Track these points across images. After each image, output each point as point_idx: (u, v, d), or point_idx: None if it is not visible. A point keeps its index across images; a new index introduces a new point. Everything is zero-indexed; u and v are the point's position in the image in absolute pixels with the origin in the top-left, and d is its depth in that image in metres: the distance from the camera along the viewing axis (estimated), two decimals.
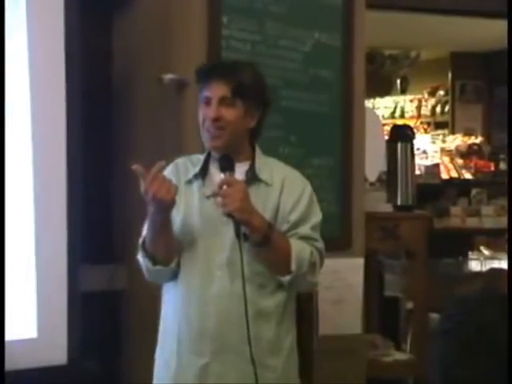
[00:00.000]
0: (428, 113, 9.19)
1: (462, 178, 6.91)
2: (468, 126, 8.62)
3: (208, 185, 2.62)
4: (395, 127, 4.88)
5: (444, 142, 7.97)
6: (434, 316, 4.31)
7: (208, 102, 2.59)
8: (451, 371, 1.49)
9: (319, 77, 3.69)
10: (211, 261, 2.58)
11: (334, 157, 3.74)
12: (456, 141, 7.76)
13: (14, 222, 3.13)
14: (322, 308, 3.68)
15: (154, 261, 2.58)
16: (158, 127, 3.50)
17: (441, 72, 8.97)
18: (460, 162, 7.09)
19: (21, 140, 3.16)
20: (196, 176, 2.65)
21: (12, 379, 3.00)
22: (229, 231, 2.51)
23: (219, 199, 2.47)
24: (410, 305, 4.68)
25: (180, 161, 2.73)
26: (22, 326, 3.18)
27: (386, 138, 4.65)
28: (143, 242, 2.60)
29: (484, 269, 5.79)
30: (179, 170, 2.69)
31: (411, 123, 7.99)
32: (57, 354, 3.23)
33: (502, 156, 7.01)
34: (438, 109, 9.10)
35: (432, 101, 9.17)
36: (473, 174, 6.95)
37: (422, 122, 9.15)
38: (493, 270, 5.30)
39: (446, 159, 7.10)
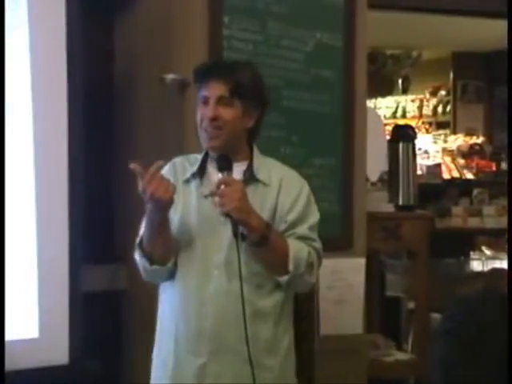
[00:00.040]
0: (429, 113, 9.19)
1: (463, 177, 6.90)
2: (470, 126, 8.62)
3: (206, 184, 2.62)
4: (397, 127, 4.88)
5: (445, 141, 7.96)
6: (436, 316, 4.31)
7: (206, 101, 2.59)
8: (453, 371, 1.49)
9: (321, 77, 3.69)
10: (209, 260, 2.57)
11: (335, 157, 3.74)
12: (457, 141, 7.76)
13: (16, 222, 3.13)
14: (323, 308, 3.68)
15: (151, 260, 2.58)
16: (160, 127, 3.50)
17: (442, 72, 8.97)
18: (461, 161, 7.08)
19: (22, 140, 3.16)
20: (194, 175, 2.65)
21: (14, 379, 3.00)
22: (226, 231, 2.51)
23: (217, 199, 2.46)
24: (411, 305, 4.68)
25: (177, 160, 2.72)
26: (24, 325, 3.18)
27: (388, 137, 4.65)
28: (140, 242, 2.60)
29: (486, 269, 5.79)
30: (177, 169, 2.68)
31: (413, 123, 7.99)
32: (58, 353, 3.23)
33: (503, 156, 7.00)
34: (440, 109, 9.10)
35: (434, 101, 9.17)
36: (474, 174, 6.94)
37: (423, 122, 9.15)
38: (494, 270, 5.30)
39: (448, 159, 7.10)
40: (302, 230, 2.63)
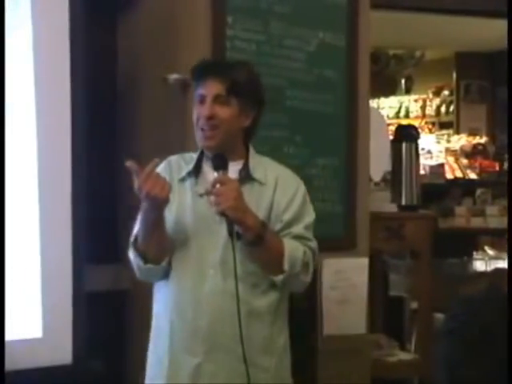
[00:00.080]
0: (433, 113, 9.19)
1: (466, 177, 6.90)
2: (473, 126, 8.63)
3: (201, 183, 2.62)
4: (400, 127, 4.88)
5: (449, 141, 7.95)
6: (439, 316, 4.31)
7: (202, 100, 2.59)
8: (456, 371, 1.49)
9: (324, 77, 3.69)
10: (204, 259, 2.57)
11: (338, 157, 3.74)
12: (461, 141, 7.75)
13: (20, 222, 3.13)
14: (326, 308, 3.68)
15: (146, 259, 2.57)
16: (163, 127, 3.50)
17: (445, 72, 8.97)
18: (465, 161, 7.08)
19: (25, 140, 3.16)
20: (189, 174, 2.65)
21: (17, 379, 3.00)
22: (222, 230, 2.51)
23: (212, 198, 2.47)
24: (414, 305, 4.68)
25: (173, 158, 2.72)
26: (27, 325, 3.18)
27: (391, 137, 4.64)
28: (135, 240, 2.60)
29: (489, 269, 5.79)
30: (172, 167, 2.68)
31: (416, 123, 7.97)
32: (62, 353, 3.24)
33: (506, 156, 6.99)
34: (443, 109, 9.10)
35: (437, 101, 9.17)
36: (477, 174, 6.94)
37: (426, 122, 9.14)
38: (497, 270, 5.30)
39: (451, 159, 7.09)
40: (298, 229, 2.62)
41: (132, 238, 2.61)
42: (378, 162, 4.21)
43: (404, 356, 4.32)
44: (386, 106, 9.36)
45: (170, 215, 2.58)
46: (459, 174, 6.91)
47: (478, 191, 6.46)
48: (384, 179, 4.59)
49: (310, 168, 3.62)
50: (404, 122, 8.46)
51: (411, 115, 9.29)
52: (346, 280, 3.73)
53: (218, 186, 2.47)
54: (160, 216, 2.51)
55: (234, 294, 2.46)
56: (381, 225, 4.16)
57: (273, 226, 2.59)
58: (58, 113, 3.22)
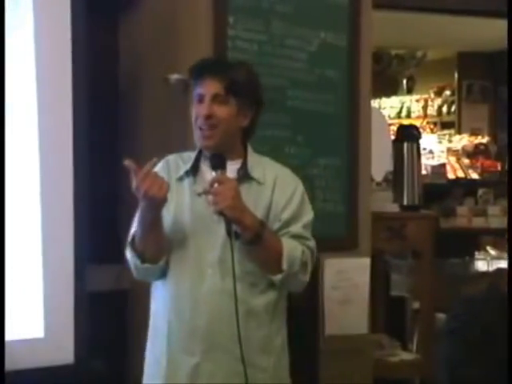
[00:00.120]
0: (434, 113, 9.18)
1: (468, 177, 6.90)
2: (474, 126, 8.62)
3: (199, 182, 2.61)
4: (401, 127, 4.88)
5: (450, 141, 7.96)
6: (441, 316, 4.31)
7: (201, 99, 2.59)
8: (457, 371, 1.49)
9: (325, 76, 3.69)
10: (202, 259, 2.57)
11: (340, 157, 3.74)
12: (462, 141, 7.76)
13: (22, 222, 3.14)
14: (328, 308, 3.68)
15: (143, 259, 2.57)
16: (165, 127, 3.51)
17: (447, 72, 8.96)
18: (466, 161, 7.08)
19: (27, 140, 3.16)
20: (187, 173, 2.65)
21: (19, 379, 3.01)
22: (220, 229, 2.50)
23: (210, 197, 2.46)
24: (416, 305, 4.68)
25: (171, 158, 2.72)
26: (29, 325, 3.18)
27: (393, 137, 4.65)
28: (132, 240, 2.60)
29: (491, 269, 5.79)
30: (170, 166, 2.68)
31: (417, 123, 7.98)
32: (64, 353, 3.24)
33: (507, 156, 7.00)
34: (445, 109, 9.09)
35: (438, 101, 9.16)
36: (479, 174, 6.94)
37: (428, 122, 9.14)
38: (499, 270, 5.28)
39: (453, 159, 7.10)
40: (296, 228, 2.62)
41: (129, 238, 2.61)
42: (380, 162, 4.21)
43: (406, 356, 4.32)
44: (388, 106, 9.36)
45: (167, 215, 2.58)
46: (461, 174, 6.92)
47: (480, 191, 6.45)
48: (386, 179, 4.59)
49: (312, 168, 3.62)
50: (406, 122, 8.45)
51: (413, 115, 9.28)
52: (348, 280, 3.72)
53: (216, 185, 2.46)
54: (157, 216, 2.51)
55: (233, 293, 2.46)
56: (382, 225, 4.16)
57: (271, 226, 2.58)
58: (59, 113, 3.22)
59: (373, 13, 3.84)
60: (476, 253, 6.15)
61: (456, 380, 1.49)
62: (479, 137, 7.93)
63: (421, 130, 5.18)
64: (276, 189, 2.63)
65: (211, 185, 2.47)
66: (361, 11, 3.76)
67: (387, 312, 4.69)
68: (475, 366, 1.47)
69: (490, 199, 6.41)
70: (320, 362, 3.65)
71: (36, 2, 3.18)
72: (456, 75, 8.90)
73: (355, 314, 3.75)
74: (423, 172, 5.50)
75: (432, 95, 9.25)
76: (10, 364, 2.93)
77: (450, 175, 6.78)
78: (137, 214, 2.56)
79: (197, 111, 2.60)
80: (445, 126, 9.00)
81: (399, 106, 9.38)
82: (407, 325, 4.79)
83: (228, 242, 2.48)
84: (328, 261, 3.63)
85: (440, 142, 7.95)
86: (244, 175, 2.62)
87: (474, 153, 7.22)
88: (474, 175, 6.94)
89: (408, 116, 9.31)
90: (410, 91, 9.52)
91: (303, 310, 3.43)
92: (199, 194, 2.56)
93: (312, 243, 2.66)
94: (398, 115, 9.31)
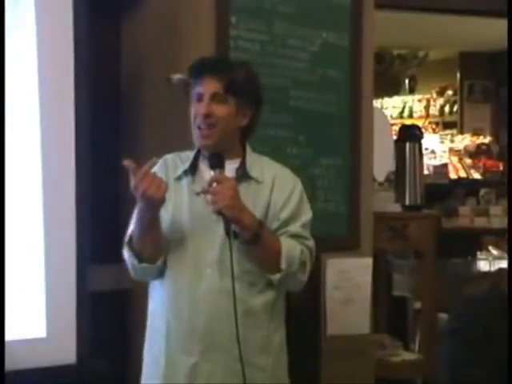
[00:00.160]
0: (436, 113, 9.17)
1: (470, 177, 6.90)
2: (476, 126, 8.61)
3: (198, 182, 2.61)
4: (403, 127, 4.89)
5: (452, 141, 7.95)
6: (443, 316, 4.31)
7: (200, 98, 2.59)
8: (459, 371, 1.49)
9: (327, 77, 3.69)
10: (201, 259, 2.56)
11: (342, 157, 3.74)
12: (464, 141, 7.75)
13: (24, 222, 3.14)
14: (330, 308, 3.68)
15: (140, 258, 2.57)
16: (166, 127, 3.51)
17: (449, 72, 8.96)
18: (468, 161, 7.08)
19: (29, 140, 3.16)
20: (186, 172, 2.64)
21: (21, 379, 3.01)
22: (219, 229, 2.50)
23: (209, 197, 2.46)
24: (418, 305, 4.68)
25: (169, 157, 2.71)
26: (31, 325, 3.18)
27: (395, 137, 4.64)
28: (129, 240, 2.59)
29: (492, 269, 5.79)
30: (168, 166, 2.67)
31: (419, 123, 7.98)
32: (66, 353, 3.24)
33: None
34: (447, 109, 9.09)
35: (440, 101, 9.15)
36: (481, 174, 6.94)
37: (430, 122, 9.13)
38: (501, 270, 5.29)
39: (455, 159, 7.09)
40: (295, 228, 2.62)
41: (127, 238, 2.60)
42: (382, 162, 4.21)
43: (408, 356, 4.32)
44: (390, 106, 9.35)
45: (166, 214, 2.57)
46: (463, 174, 6.91)
47: (482, 191, 6.45)
48: (388, 179, 4.59)
49: (314, 168, 3.62)
50: (408, 121, 8.45)
51: (415, 115, 9.28)
52: (350, 280, 3.73)
53: (214, 184, 2.46)
54: (155, 216, 2.50)
55: (231, 292, 2.45)
56: (384, 225, 4.16)
57: (270, 225, 2.58)
58: (61, 113, 3.23)
59: (375, 13, 3.84)
60: (478, 253, 6.15)
61: (458, 380, 1.49)
62: (481, 137, 7.92)
63: (423, 130, 5.19)
64: (275, 188, 2.63)
65: (210, 184, 2.47)
66: (363, 11, 3.77)
67: (389, 312, 4.70)
68: (477, 366, 1.47)
69: (492, 199, 6.40)
70: (322, 361, 3.65)
71: (38, 2, 3.18)
72: (458, 75, 8.90)
73: (357, 314, 3.75)
74: (425, 172, 5.50)
75: (434, 95, 9.25)
76: (11, 364, 2.93)
77: (452, 175, 6.78)
78: (134, 214, 2.55)
79: (196, 110, 2.59)
80: (447, 125, 8.99)
81: (401, 105, 9.38)
82: (409, 325, 4.79)
83: (227, 242, 2.47)
84: (330, 261, 3.63)
85: (442, 142, 7.94)
86: (243, 174, 2.61)
87: (476, 153, 7.22)
88: (476, 175, 6.94)
89: (410, 116, 9.30)
90: (412, 91, 9.51)
91: (305, 310, 3.43)
92: (198, 194, 2.55)
93: (311, 243, 2.65)
94: (400, 115, 9.31)
